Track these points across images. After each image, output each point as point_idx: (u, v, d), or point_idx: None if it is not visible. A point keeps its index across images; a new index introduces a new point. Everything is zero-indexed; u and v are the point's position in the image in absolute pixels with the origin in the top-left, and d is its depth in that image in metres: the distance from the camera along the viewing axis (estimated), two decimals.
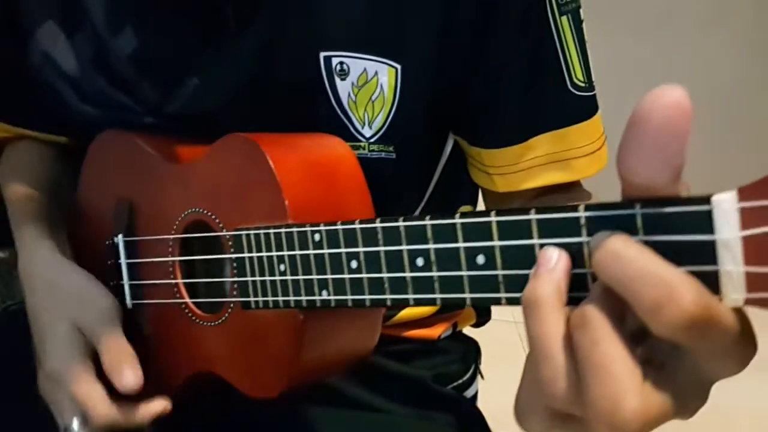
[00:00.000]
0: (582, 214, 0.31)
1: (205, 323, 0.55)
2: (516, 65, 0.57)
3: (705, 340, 0.27)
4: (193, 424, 0.65)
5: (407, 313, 0.68)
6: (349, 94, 0.56)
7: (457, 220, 0.35)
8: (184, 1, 0.57)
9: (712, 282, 0.27)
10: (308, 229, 0.44)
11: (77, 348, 0.53)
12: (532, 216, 0.32)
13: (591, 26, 0.58)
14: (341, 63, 0.55)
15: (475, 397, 0.77)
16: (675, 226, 0.28)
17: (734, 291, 0.27)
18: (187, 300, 0.56)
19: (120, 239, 0.60)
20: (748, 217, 0.27)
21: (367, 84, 0.55)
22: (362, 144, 0.58)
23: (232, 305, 0.52)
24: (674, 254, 0.28)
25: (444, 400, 0.68)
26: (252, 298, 0.49)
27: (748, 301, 0.27)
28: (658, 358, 0.29)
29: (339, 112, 0.57)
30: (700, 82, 2.08)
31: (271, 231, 0.46)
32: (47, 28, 0.62)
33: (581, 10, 0.58)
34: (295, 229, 0.45)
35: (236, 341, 0.52)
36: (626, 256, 0.27)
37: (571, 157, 0.60)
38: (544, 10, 0.55)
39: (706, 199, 0.27)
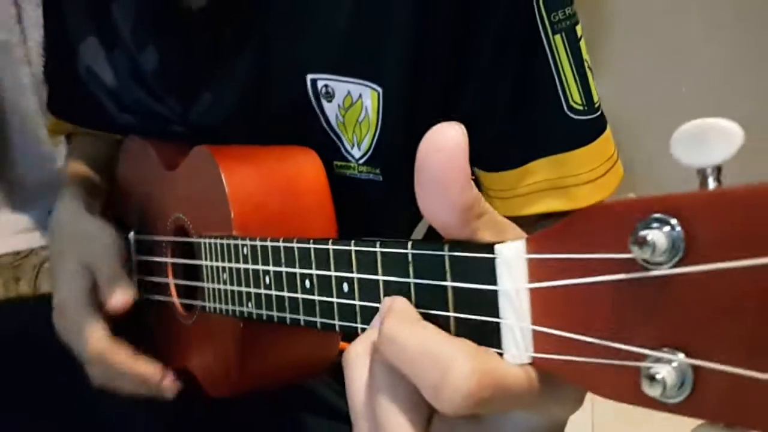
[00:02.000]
0: (409, 251, 0.30)
1: (184, 322, 0.58)
2: (504, 86, 0.55)
3: (495, 405, 0.25)
4: (191, 420, 0.68)
5: None
6: (336, 116, 0.57)
7: (352, 248, 0.35)
8: (193, 22, 0.60)
9: (489, 335, 0.26)
10: (239, 242, 0.45)
11: (82, 282, 0.59)
12: (377, 249, 0.32)
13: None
14: (326, 85, 0.56)
15: None
16: (468, 273, 0.27)
17: (517, 347, 0.26)
18: (174, 299, 0.60)
19: (132, 236, 0.65)
20: (536, 269, 0.25)
21: (353, 106, 0.56)
22: (352, 165, 0.58)
23: (198, 307, 0.55)
24: (446, 301, 0.27)
25: None
26: (205, 303, 0.52)
27: (538, 362, 0.26)
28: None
29: (329, 132, 0.58)
30: None
31: (216, 241, 0.49)
32: (89, 44, 0.68)
33: (578, 27, 0.55)
34: (230, 242, 0.47)
35: (200, 341, 0.55)
36: (399, 341, 0.26)
37: (571, 185, 0.57)
38: (533, 28, 0.52)
39: (490, 247, 0.26)
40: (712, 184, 0.22)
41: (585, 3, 1.18)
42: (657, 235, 0.21)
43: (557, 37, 0.53)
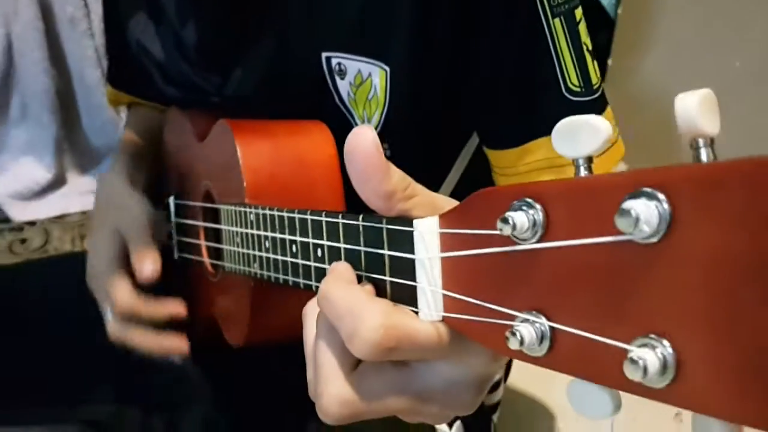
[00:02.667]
0: (360, 223, 0.35)
1: (211, 279, 0.64)
2: (505, 67, 0.57)
3: (402, 353, 0.30)
4: (225, 366, 0.75)
5: None
6: (348, 93, 0.61)
7: (323, 218, 0.39)
8: (227, 4, 0.65)
9: (408, 297, 0.30)
10: (247, 210, 0.51)
11: (113, 248, 0.66)
12: (339, 220, 0.37)
13: None
14: (339, 63, 0.60)
15: (495, 406, 0.79)
16: (397, 244, 0.31)
17: (428, 307, 0.30)
18: (205, 259, 0.66)
19: (171, 201, 0.72)
20: (447, 241, 0.29)
21: (363, 84, 0.60)
22: None
23: (221, 267, 0.61)
24: (383, 267, 0.31)
25: None
26: (225, 263, 0.58)
27: (448, 320, 0.30)
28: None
29: (342, 108, 0.62)
30: None
31: (232, 208, 0.54)
32: (139, 18, 0.75)
33: (578, 11, 0.57)
34: (241, 209, 0.52)
35: (222, 297, 0.61)
36: (330, 298, 0.31)
37: (566, 164, 0.60)
38: (533, 11, 0.55)
39: (410, 222, 0.30)
40: (583, 171, 0.25)
41: None
42: (519, 216, 0.25)
43: (556, 20, 0.55)
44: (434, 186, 0.68)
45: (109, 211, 0.68)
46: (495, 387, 0.80)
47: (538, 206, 0.25)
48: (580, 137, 0.25)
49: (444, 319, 0.30)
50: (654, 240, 0.21)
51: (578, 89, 0.58)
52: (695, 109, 0.21)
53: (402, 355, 0.30)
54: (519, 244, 0.26)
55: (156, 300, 0.64)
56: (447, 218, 0.29)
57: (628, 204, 0.21)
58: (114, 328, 0.64)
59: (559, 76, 0.57)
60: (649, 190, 0.21)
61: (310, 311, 0.34)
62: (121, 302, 0.63)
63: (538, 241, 0.25)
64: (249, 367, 0.70)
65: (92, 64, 1.23)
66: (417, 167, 0.66)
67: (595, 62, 0.58)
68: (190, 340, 0.74)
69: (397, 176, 0.31)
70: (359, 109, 0.61)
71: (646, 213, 0.21)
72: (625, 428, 1.01)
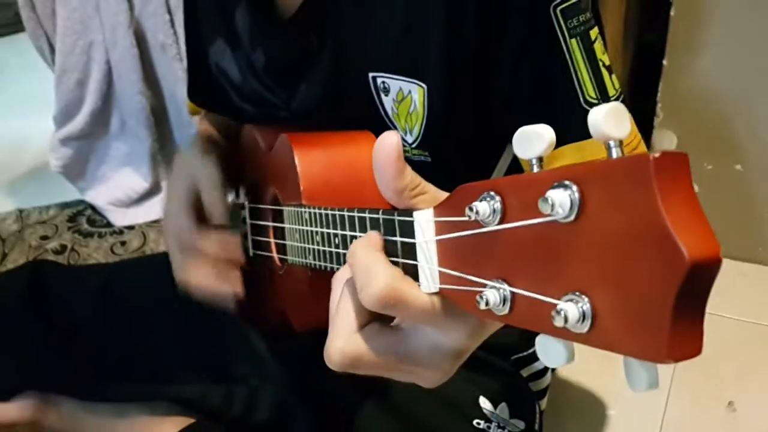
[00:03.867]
0: (380, 216, 0.42)
1: (279, 272, 0.74)
2: (528, 83, 0.63)
3: (400, 312, 0.37)
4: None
5: None
6: (392, 108, 0.69)
7: (355, 214, 0.48)
8: (288, 28, 0.75)
9: (414, 273, 0.38)
10: (302, 210, 0.59)
11: (186, 193, 0.76)
12: (366, 215, 0.45)
13: None
14: (384, 82, 0.68)
15: (541, 392, 0.84)
16: (404, 231, 0.39)
17: (427, 280, 0.37)
18: (274, 254, 0.75)
19: (247, 204, 0.81)
20: (440, 228, 0.37)
21: (404, 100, 0.68)
22: (406, 148, 0.70)
23: (287, 261, 0.70)
24: (397, 250, 0.39)
25: (487, 366, 0.78)
26: (288, 257, 0.66)
27: (443, 291, 0.37)
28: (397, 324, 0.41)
29: (387, 121, 0.70)
30: None
31: (292, 209, 0.63)
32: (218, 44, 0.85)
33: (592, 31, 0.62)
34: (298, 209, 0.61)
35: (287, 287, 0.70)
36: (356, 254, 0.39)
37: None
38: (552, 33, 0.61)
39: (410, 213, 0.38)
40: (536, 168, 0.32)
41: None
42: (482, 205, 0.32)
43: (573, 40, 0.61)
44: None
45: (186, 170, 0.79)
46: (541, 374, 0.86)
47: (497, 197, 0.32)
48: (532, 142, 0.32)
49: (440, 291, 0.37)
50: (571, 219, 0.28)
51: (595, 100, 0.63)
52: (602, 119, 0.28)
53: (399, 314, 0.37)
54: (485, 226, 0.33)
55: (219, 240, 0.74)
56: (439, 208, 0.37)
57: (549, 193, 0.28)
58: (178, 265, 0.74)
59: (578, 88, 0.62)
60: (566, 182, 0.28)
61: (339, 277, 0.42)
62: (186, 238, 0.73)
63: (498, 224, 0.32)
64: (317, 350, 0.79)
65: (182, 84, 1.37)
66: (457, 173, 0.74)
67: (613, 75, 0.64)
68: (264, 328, 0.83)
69: (410, 176, 0.39)
70: (401, 121, 0.69)
71: (561, 199, 0.28)
72: (677, 417, 1.04)
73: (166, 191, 0.81)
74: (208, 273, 0.73)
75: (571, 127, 0.64)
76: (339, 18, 0.69)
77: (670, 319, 0.25)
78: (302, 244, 0.61)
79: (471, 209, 0.32)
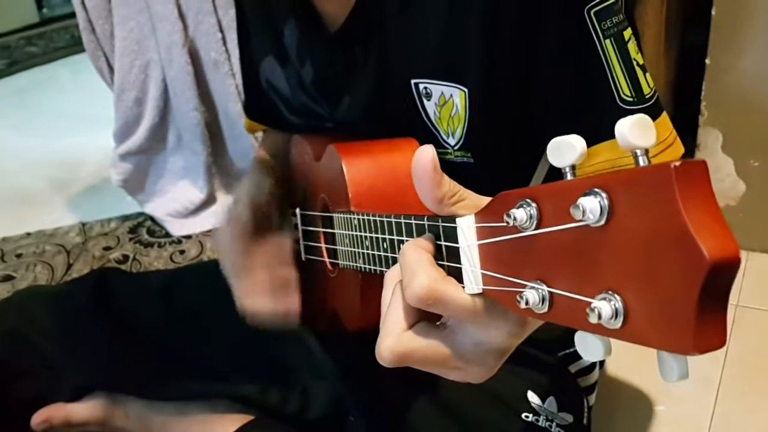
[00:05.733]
0: (425, 222, 0.45)
1: (331, 275, 0.77)
2: (565, 84, 0.65)
3: (442, 310, 0.40)
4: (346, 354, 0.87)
5: None
6: (434, 112, 0.72)
7: (402, 221, 0.51)
8: (334, 43, 0.78)
9: (458, 275, 0.41)
10: (351, 216, 0.63)
11: (243, 211, 0.80)
12: (413, 222, 0.48)
13: None
14: (426, 87, 0.71)
15: (590, 388, 0.86)
16: (447, 236, 0.42)
17: (471, 282, 0.40)
18: (325, 259, 0.79)
19: (298, 212, 0.85)
20: (482, 233, 0.40)
21: (446, 104, 0.70)
22: (449, 151, 0.73)
23: (338, 264, 0.73)
24: (442, 254, 0.42)
25: (535, 362, 0.80)
26: (339, 261, 0.70)
27: (486, 292, 0.40)
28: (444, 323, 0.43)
29: (429, 125, 0.73)
30: None
31: (342, 215, 0.66)
32: (268, 61, 0.89)
33: (626, 32, 0.64)
34: (348, 215, 0.64)
35: (339, 290, 0.74)
36: (406, 255, 0.42)
37: (625, 165, 0.67)
38: (588, 36, 0.63)
39: (453, 219, 0.41)
40: (569, 176, 0.35)
41: None
42: (519, 212, 0.35)
43: (607, 41, 0.63)
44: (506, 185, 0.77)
45: (244, 190, 0.84)
46: (589, 369, 0.87)
47: (533, 204, 0.35)
48: (564, 152, 0.35)
49: (484, 291, 0.40)
50: (601, 224, 0.31)
51: (631, 99, 0.65)
52: (627, 131, 0.30)
53: (441, 311, 0.40)
54: (523, 231, 0.35)
55: (272, 247, 0.78)
56: (480, 215, 0.40)
57: (580, 200, 0.31)
58: (237, 293, 0.77)
59: (613, 88, 0.64)
60: (596, 189, 0.31)
61: (390, 277, 0.45)
62: (238, 261, 0.77)
63: (535, 229, 0.35)
64: (368, 349, 0.82)
65: (234, 99, 1.41)
66: (500, 173, 0.76)
67: (647, 74, 0.65)
68: (318, 329, 0.87)
69: (448, 185, 0.42)
70: (444, 125, 0.72)
71: (591, 206, 0.30)
72: (727, 413, 1.04)
73: (223, 224, 0.86)
74: (265, 295, 0.77)
75: (607, 126, 0.66)
76: (382, 29, 0.72)
77: (695, 314, 0.28)
78: (352, 249, 0.64)
79: (509, 216, 0.35)
